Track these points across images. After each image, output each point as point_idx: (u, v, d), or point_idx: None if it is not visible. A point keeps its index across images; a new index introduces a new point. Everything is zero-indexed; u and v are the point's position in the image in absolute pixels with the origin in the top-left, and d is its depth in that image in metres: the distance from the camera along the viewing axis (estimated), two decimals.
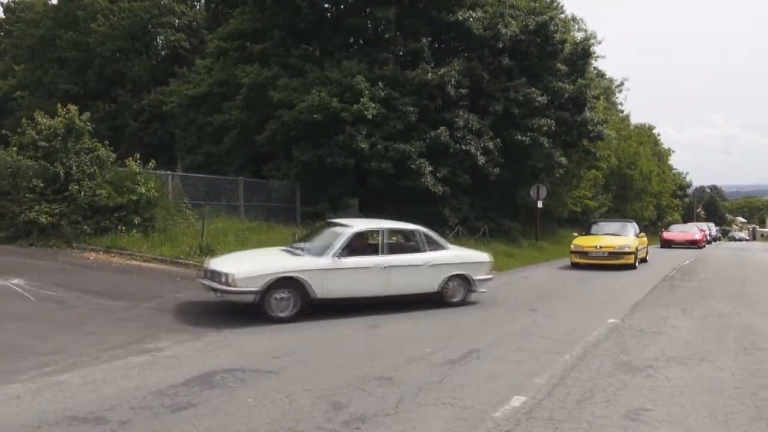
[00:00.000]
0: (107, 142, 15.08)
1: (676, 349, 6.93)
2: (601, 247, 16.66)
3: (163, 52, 33.39)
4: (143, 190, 13.85)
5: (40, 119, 14.09)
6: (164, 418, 4.62)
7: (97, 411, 4.76)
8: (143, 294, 9.76)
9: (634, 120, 52.70)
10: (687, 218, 63.88)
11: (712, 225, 50.52)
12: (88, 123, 14.29)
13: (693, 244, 28.92)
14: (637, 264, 16.74)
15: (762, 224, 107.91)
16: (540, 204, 24.29)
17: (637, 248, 16.88)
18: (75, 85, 30.86)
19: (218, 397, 5.12)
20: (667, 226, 38.38)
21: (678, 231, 32.23)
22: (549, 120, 22.21)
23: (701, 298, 10.99)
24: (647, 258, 18.91)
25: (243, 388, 5.39)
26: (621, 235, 17.70)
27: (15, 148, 14.24)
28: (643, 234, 19.20)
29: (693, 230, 32.26)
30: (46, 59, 31.99)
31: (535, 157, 23.27)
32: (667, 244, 29.31)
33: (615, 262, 16.18)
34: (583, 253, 16.81)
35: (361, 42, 23.05)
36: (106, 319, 8.13)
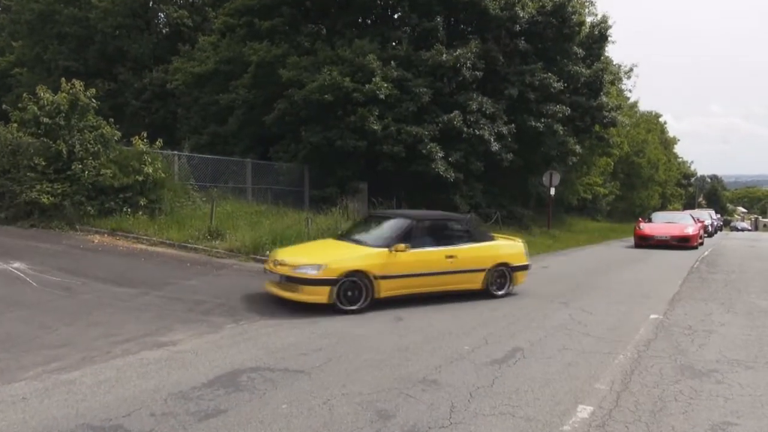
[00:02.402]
0: (112, 120, 14.46)
1: (736, 350, 6.40)
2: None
3: (165, 30, 32.53)
4: (150, 171, 13.27)
5: (42, 94, 13.44)
6: (191, 428, 4.08)
7: (114, 418, 4.22)
8: (153, 280, 9.22)
9: (640, 107, 52.03)
10: (689, 208, 62.72)
11: (712, 213, 41.32)
12: (92, 99, 13.64)
13: (683, 241, 19.96)
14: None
15: (764, 214, 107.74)
16: (552, 191, 23.75)
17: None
18: (75, 62, 30.04)
19: (248, 402, 4.58)
20: (647, 215, 26.15)
21: (662, 222, 22.03)
22: (564, 107, 21.60)
23: (737, 293, 10.46)
24: (512, 286, 9.68)
25: (274, 390, 4.85)
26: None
27: (16, 125, 13.63)
28: (494, 240, 10.02)
29: (684, 221, 22.11)
30: (45, 35, 31.11)
31: (549, 144, 22.69)
32: (645, 242, 20.30)
33: None
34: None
35: (371, 21, 22.33)
36: (114, 307, 7.58)
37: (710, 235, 29.44)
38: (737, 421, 4.37)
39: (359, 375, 5.29)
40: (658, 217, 23.54)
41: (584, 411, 4.50)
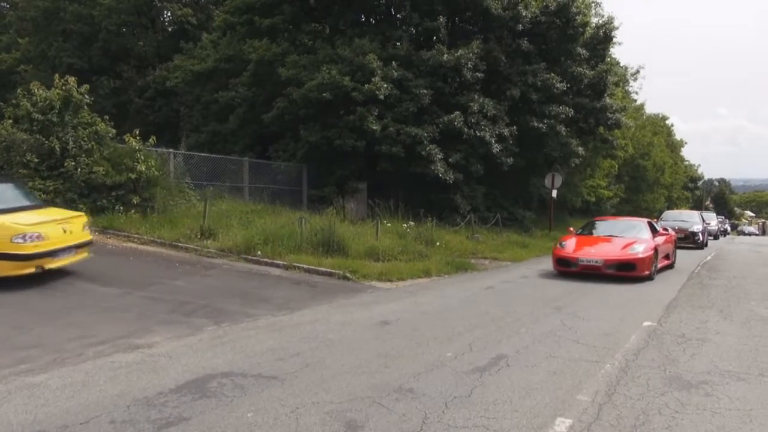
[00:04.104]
0: (107, 117, 14.36)
1: (728, 360, 6.18)
2: None
3: (169, 28, 32.52)
4: (143, 169, 13.15)
5: (36, 90, 13.34)
6: None
7: (71, 425, 4.06)
8: (138, 280, 9.10)
9: (646, 110, 51.57)
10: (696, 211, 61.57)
11: (707, 215, 33.47)
12: (86, 95, 13.53)
13: (625, 269, 12.24)
14: None
15: None
16: (554, 193, 23.52)
17: None
18: (79, 60, 30.06)
19: (213, 409, 4.41)
20: (585, 224, 16.13)
21: (602, 235, 13.99)
22: (567, 108, 21.40)
23: (737, 300, 10.21)
24: None
25: (242, 397, 4.68)
26: None
27: (10, 121, 13.54)
28: None
29: (634, 233, 13.66)
30: (50, 32, 31.16)
31: (551, 145, 22.52)
32: (566, 267, 12.76)
33: None
34: None
35: (374, 21, 22.19)
36: (95, 308, 7.44)
37: (699, 246, 22.29)
38: None
39: (334, 382, 5.12)
40: (600, 227, 14.72)
41: (562, 425, 4.30)
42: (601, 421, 4.38)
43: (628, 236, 13.50)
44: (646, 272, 12.37)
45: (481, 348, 6.40)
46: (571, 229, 16.01)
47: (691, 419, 4.49)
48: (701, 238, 22.98)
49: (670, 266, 14.74)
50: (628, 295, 10.37)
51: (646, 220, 14.80)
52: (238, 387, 4.92)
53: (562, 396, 4.94)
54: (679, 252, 16.51)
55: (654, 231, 14.04)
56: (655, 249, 12.97)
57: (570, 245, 13.22)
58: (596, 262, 12.37)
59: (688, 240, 21.85)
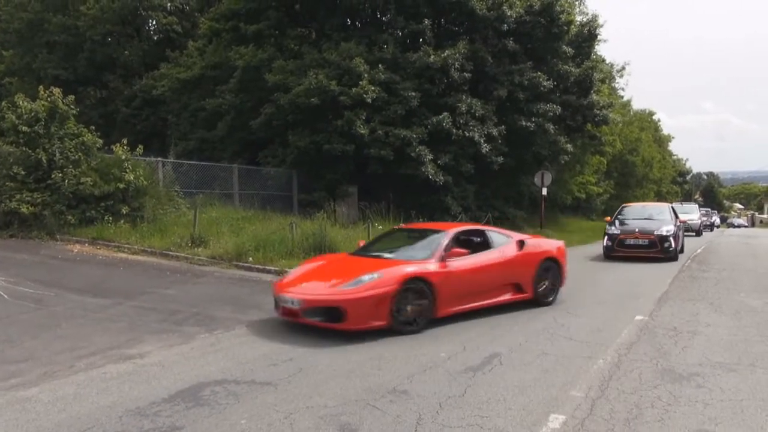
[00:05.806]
0: (94, 128, 14.30)
1: (719, 352, 6.23)
2: None
3: (155, 37, 32.39)
4: (131, 178, 13.10)
5: (21, 102, 13.28)
6: None
7: None
8: (129, 290, 9.04)
9: (633, 106, 51.85)
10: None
11: (692, 207, 29.91)
12: (71, 106, 13.47)
13: (333, 318, 6.89)
14: None
15: (760, 210, 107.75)
16: (545, 191, 23.59)
17: None
18: (65, 71, 29.84)
19: (207, 417, 4.39)
20: (381, 234, 10.74)
21: (376, 252, 8.37)
22: (554, 105, 21.49)
23: (726, 292, 10.30)
24: None
25: (236, 405, 4.66)
26: None
27: None
28: None
29: (426, 251, 7.92)
30: (34, 44, 30.96)
31: (540, 143, 22.60)
32: (276, 308, 7.58)
33: None
34: None
35: (360, 24, 22.19)
36: (85, 319, 7.39)
37: (671, 256, 15.19)
38: (715, 429, 4.20)
39: (327, 386, 5.11)
40: (391, 240, 9.37)
41: (556, 421, 4.32)
42: (594, 416, 4.40)
43: (408, 256, 8.01)
44: (361, 326, 6.87)
45: (475, 347, 6.42)
46: (362, 242, 9.72)
47: (683, 411, 4.52)
48: (673, 245, 15.31)
49: (533, 300, 8.74)
50: (618, 291, 10.44)
51: (455, 229, 8.70)
52: (232, 394, 4.90)
53: (555, 393, 4.95)
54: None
55: (452, 246, 8.04)
56: (406, 279, 7.13)
57: (296, 272, 8.01)
58: (293, 303, 7.13)
59: (653, 248, 15.13)
